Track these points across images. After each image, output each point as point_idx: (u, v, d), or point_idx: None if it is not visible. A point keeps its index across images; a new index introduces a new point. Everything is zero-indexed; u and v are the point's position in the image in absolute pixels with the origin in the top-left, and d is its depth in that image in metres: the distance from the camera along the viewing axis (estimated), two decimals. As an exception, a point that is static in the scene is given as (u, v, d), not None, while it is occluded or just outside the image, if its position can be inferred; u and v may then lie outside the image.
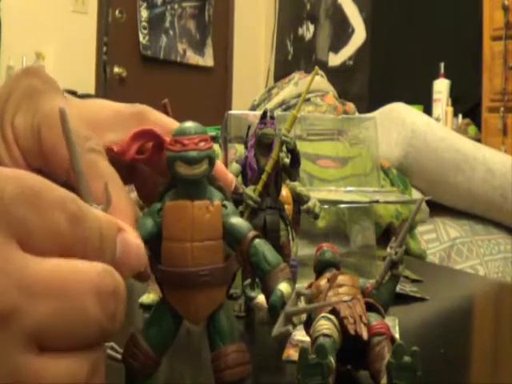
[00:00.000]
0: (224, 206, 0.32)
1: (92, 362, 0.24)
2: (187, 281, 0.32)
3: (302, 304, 0.37)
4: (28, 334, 0.22)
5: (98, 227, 0.26)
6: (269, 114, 0.50)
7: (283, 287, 0.31)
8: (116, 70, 3.51)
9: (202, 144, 0.32)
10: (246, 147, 0.52)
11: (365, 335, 0.36)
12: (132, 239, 0.27)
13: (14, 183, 0.23)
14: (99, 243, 0.26)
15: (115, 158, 0.33)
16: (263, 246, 0.32)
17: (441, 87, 2.82)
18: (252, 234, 0.32)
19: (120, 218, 0.28)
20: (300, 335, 0.45)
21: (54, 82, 0.35)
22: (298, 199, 0.57)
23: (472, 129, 2.77)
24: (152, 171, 0.37)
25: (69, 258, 0.24)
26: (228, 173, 0.38)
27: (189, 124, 0.32)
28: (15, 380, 0.22)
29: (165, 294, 0.33)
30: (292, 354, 0.44)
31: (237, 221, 0.33)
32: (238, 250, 0.32)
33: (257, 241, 0.32)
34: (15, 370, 0.22)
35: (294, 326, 0.33)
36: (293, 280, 0.32)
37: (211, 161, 0.32)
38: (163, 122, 0.36)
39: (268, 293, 0.32)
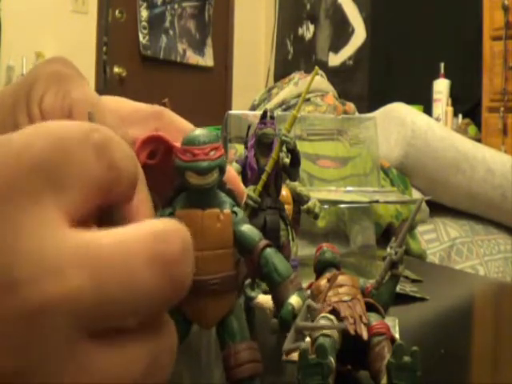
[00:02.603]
0: (234, 212, 0.32)
1: (152, 353, 0.22)
2: (197, 289, 0.31)
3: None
4: (81, 317, 0.21)
5: None
6: (269, 113, 0.50)
7: (294, 300, 0.31)
8: (116, 69, 3.51)
9: (212, 153, 0.31)
10: (246, 147, 0.52)
11: (365, 335, 0.36)
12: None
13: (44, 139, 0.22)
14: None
15: None
16: (274, 257, 0.32)
17: (441, 87, 2.83)
18: (263, 243, 0.32)
19: (139, 218, 0.28)
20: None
21: (78, 69, 0.34)
22: (298, 199, 0.57)
23: (472, 129, 2.77)
24: (162, 176, 0.37)
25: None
26: (240, 183, 0.37)
27: (199, 132, 0.32)
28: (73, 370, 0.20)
29: None
30: (292, 354, 0.44)
31: (247, 229, 0.33)
32: (249, 259, 0.32)
33: (267, 251, 0.32)
34: (67, 359, 0.20)
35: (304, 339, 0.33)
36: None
37: (222, 169, 0.32)
38: (179, 124, 0.36)
39: (278, 305, 0.32)
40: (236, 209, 0.33)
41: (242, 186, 0.37)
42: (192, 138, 0.31)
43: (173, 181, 0.34)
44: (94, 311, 0.21)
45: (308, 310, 0.31)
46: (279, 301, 0.32)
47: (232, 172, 0.36)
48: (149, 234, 0.22)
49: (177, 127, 0.35)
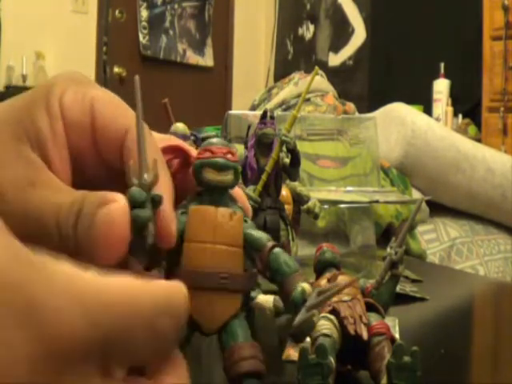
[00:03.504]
0: (245, 220, 0.34)
1: None
2: (206, 282, 0.32)
3: None
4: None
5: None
6: (269, 114, 0.50)
7: (304, 285, 0.32)
8: (116, 69, 3.51)
9: (229, 155, 0.33)
10: (246, 147, 0.52)
11: (365, 335, 0.36)
12: (115, 210, 0.27)
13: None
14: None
15: None
16: (283, 254, 0.34)
17: (441, 87, 2.83)
18: (272, 243, 0.34)
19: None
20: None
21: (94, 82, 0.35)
22: (298, 199, 0.57)
23: (472, 129, 2.77)
24: (175, 188, 0.37)
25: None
26: (246, 201, 0.38)
27: (217, 139, 0.34)
28: None
29: None
30: (292, 354, 0.44)
31: (257, 232, 0.34)
32: (258, 257, 0.33)
33: (277, 249, 0.33)
34: None
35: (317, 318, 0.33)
36: None
37: (236, 174, 0.34)
38: (187, 147, 0.37)
39: (287, 293, 0.32)
40: (246, 218, 0.34)
41: (248, 204, 0.38)
42: (210, 142, 0.34)
43: (186, 194, 0.35)
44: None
45: (318, 295, 0.31)
46: (289, 290, 0.32)
47: (240, 191, 0.37)
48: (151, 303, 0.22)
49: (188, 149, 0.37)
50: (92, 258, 0.26)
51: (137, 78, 0.29)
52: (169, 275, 0.32)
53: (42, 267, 0.20)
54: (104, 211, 0.27)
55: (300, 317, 0.31)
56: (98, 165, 0.32)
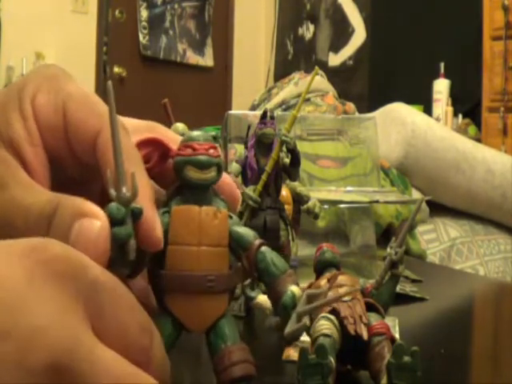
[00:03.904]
0: (230, 216, 0.33)
1: None
2: (193, 285, 0.31)
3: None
4: None
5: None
6: (269, 114, 0.50)
7: (294, 289, 0.31)
8: (116, 69, 3.51)
9: (211, 151, 0.32)
10: (246, 147, 0.52)
11: (365, 335, 0.36)
12: (93, 228, 0.27)
13: (98, 270, 0.25)
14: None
15: None
16: (270, 253, 0.33)
17: (441, 87, 2.83)
18: (259, 241, 0.33)
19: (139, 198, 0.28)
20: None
21: (70, 75, 0.35)
22: (298, 199, 0.57)
23: (472, 129, 2.77)
24: (155, 181, 0.37)
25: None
26: (236, 189, 0.37)
27: (198, 132, 0.33)
28: None
29: (165, 302, 0.32)
30: (292, 354, 0.44)
31: (243, 229, 0.33)
32: (245, 256, 0.32)
33: (264, 248, 0.33)
34: None
35: (307, 326, 0.33)
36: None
37: (219, 169, 0.32)
38: (172, 138, 0.36)
39: (276, 296, 0.32)
40: (231, 213, 0.33)
41: (238, 192, 0.37)
42: (191, 136, 0.32)
43: (166, 187, 0.34)
44: None
45: (307, 299, 0.31)
46: (278, 292, 0.32)
47: (228, 179, 0.36)
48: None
49: (170, 138, 0.35)
50: None
51: (109, 83, 0.28)
52: (152, 278, 0.32)
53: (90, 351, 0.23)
54: (82, 225, 0.27)
55: (291, 325, 0.30)
56: (76, 163, 0.32)
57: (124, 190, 0.27)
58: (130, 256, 0.27)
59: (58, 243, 0.25)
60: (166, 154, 0.33)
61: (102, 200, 0.30)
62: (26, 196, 0.29)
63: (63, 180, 0.32)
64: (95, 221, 0.27)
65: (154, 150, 0.33)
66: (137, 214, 0.27)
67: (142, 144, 0.33)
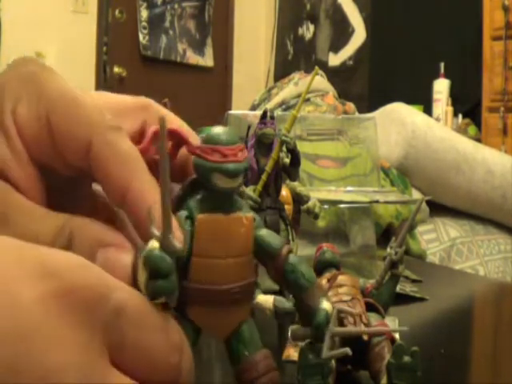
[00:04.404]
0: (253, 218, 0.31)
1: None
2: (218, 299, 0.29)
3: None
4: None
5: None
6: (269, 114, 0.50)
7: (327, 306, 0.30)
8: (116, 69, 3.51)
9: (240, 154, 0.29)
10: (246, 147, 0.52)
11: (365, 335, 0.36)
12: (117, 258, 0.26)
13: (124, 293, 0.24)
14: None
15: None
16: (300, 264, 0.31)
17: (441, 87, 2.82)
18: (286, 249, 0.31)
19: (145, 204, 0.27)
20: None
21: (52, 69, 0.31)
22: (298, 199, 0.57)
23: (472, 129, 2.77)
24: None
25: None
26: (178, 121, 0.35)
27: (224, 131, 0.30)
28: None
29: (187, 312, 0.30)
30: (292, 354, 0.44)
31: (267, 233, 0.31)
32: (271, 265, 0.31)
33: (292, 257, 0.31)
34: None
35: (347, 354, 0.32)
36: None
37: (247, 171, 0.31)
38: (167, 117, 0.34)
39: (309, 311, 0.31)
40: (253, 214, 0.31)
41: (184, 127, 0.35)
42: (219, 137, 0.29)
43: (174, 179, 0.32)
44: None
45: (338, 315, 0.31)
46: (309, 307, 0.30)
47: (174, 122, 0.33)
48: None
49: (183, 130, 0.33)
50: None
51: (163, 119, 0.24)
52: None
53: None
54: (107, 258, 0.26)
55: (326, 346, 0.30)
56: (68, 166, 0.30)
57: (170, 237, 0.24)
58: (172, 304, 0.26)
59: (76, 263, 0.23)
60: (179, 145, 0.31)
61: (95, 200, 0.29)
62: (30, 225, 0.27)
63: (58, 181, 0.31)
64: (122, 251, 0.26)
65: (169, 140, 0.30)
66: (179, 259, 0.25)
67: (155, 135, 0.30)
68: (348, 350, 0.30)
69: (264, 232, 0.31)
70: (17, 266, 0.22)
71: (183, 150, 0.31)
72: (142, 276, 0.25)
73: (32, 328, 0.21)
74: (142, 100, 0.34)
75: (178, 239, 0.25)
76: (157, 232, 0.25)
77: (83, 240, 0.26)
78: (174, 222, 0.26)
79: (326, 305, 0.30)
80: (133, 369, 0.24)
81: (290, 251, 0.31)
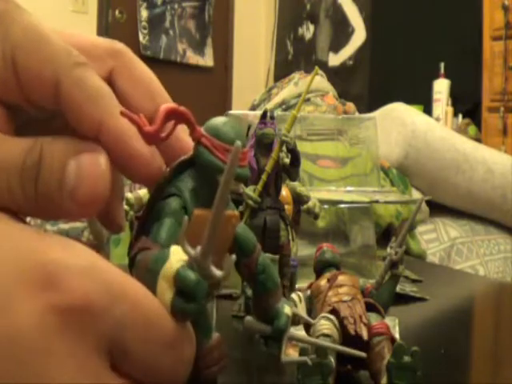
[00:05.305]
0: None
1: None
2: None
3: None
4: None
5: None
6: (269, 113, 0.50)
7: (287, 310, 0.31)
8: (116, 69, 3.51)
9: (247, 159, 0.30)
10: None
11: (365, 335, 0.36)
12: (92, 163, 0.24)
13: (128, 304, 0.22)
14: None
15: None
16: (269, 265, 0.32)
17: (441, 87, 2.82)
18: (258, 248, 0.31)
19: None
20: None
21: (22, 7, 0.29)
22: (298, 199, 0.57)
23: (472, 129, 2.77)
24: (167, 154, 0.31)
25: None
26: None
27: (236, 131, 0.29)
28: None
29: None
30: (292, 354, 0.44)
31: (244, 230, 0.31)
32: (244, 262, 0.31)
33: (263, 257, 0.32)
34: None
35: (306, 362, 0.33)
36: (292, 280, 0.33)
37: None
38: (139, 69, 0.33)
39: (268, 310, 0.32)
40: (235, 208, 0.31)
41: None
42: (231, 137, 0.29)
43: (168, 161, 0.30)
44: None
45: (295, 318, 0.32)
46: (271, 307, 0.32)
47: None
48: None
49: (134, 73, 0.32)
50: (57, 215, 0.24)
51: (238, 145, 0.22)
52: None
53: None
54: (80, 162, 0.24)
55: (284, 350, 0.31)
56: (38, 109, 0.28)
57: (209, 261, 0.23)
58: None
59: (79, 267, 0.22)
60: (187, 126, 0.29)
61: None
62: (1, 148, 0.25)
63: (27, 120, 0.29)
64: (97, 155, 0.24)
65: (178, 122, 0.29)
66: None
67: (168, 115, 0.28)
68: (308, 359, 0.31)
69: (241, 229, 0.31)
70: (15, 272, 0.21)
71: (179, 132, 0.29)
72: (168, 291, 0.24)
73: (31, 350, 0.20)
74: (117, 45, 0.32)
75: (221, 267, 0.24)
76: (191, 250, 0.23)
77: (54, 153, 0.24)
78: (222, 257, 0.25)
79: (287, 309, 0.32)
80: (135, 374, 0.23)
81: (259, 252, 0.32)
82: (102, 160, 0.24)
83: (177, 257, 0.24)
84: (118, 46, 0.32)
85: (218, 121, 0.29)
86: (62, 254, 0.22)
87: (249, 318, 0.33)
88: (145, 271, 0.25)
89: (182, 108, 0.29)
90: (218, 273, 0.23)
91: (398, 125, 1.68)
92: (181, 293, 0.23)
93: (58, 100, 0.26)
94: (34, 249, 0.22)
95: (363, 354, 0.34)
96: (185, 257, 0.24)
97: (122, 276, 0.23)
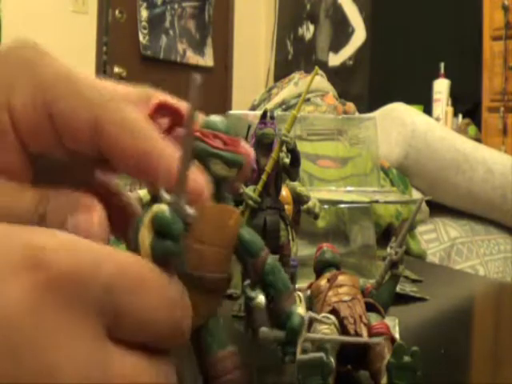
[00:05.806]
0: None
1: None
2: (195, 285, 0.29)
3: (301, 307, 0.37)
4: None
5: None
6: (269, 113, 0.50)
7: (301, 311, 0.32)
8: (116, 69, 3.51)
9: (240, 147, 0.30)
10: (246, 147, 0.52)
11: (365, 335, 0.36)
12: (87, 223, 0.25)
13: (112, 264, 0.22)
14: None
15: None
16: (278, 266, 0.32)
17: (441, 87, 2.82)
18: (266, 251, 0.32)
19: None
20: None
21: (47, 52, 0.30)
22: (298, 199, 0.57)
23: (472, 129, 2.77)
24: None
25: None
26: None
27: (226, 122, 0.30)
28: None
29: None
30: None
31: (249, 233, 0.32)
32: (251, 264, 0.32)
33: (271, 259, 0.32)
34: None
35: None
36: (293, 280, 0.33)
37: (241, 167, 0.31)
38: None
39: (281, 314, 0.32)
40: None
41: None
42: (222, 125, 0.30)
43: None
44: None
45: (310, 321, 0.32)
46: (283, 310, 0.32)
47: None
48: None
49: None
50: None
51: (197, 77, 0.23)
52: None
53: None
54: (77, 220, 0.25)
55: (300, 351, 0.31)
56: (66, 151, 0.28)
57: (183, 201, 0.23)
58: (179, 269, 0.25)
59: (61, 242, 0.22)
60: (175, 123, 0.30)
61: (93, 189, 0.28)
62: (4, 199, 0.26)
63: (51, 166, 0.29)
64: (93, 214, 0.26)
65: (167, 116, 0.30)
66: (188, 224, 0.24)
67: (158, 108, 0.29)
68: (323, 356, 0.31)
69: (246, 231, 0.31)
70: (2, 258, 0.21)
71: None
72: (147, 237, 0.24)
73: (22, 333, 0.20)
74: (146, 92, 0.32)
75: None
76: (166, 195, 0.24)
77: (57, 211, 0.26)
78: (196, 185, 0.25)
79: (300, 310, 0.32)
80: (134, 335, 0.23)
81: (268, 254, 0.32)
82: (95, 218, 0.26)
83: (159, 207, 0.24)
84: (149, 92, 0.32)
85: (212, 116, 0.30)
86: (43, 235, 0.22)
87: (263, 329, 0.33)
88: (133, 234, 0.25)
89: (174, 104, 0.29)
90: (191, 211, 0.24)
91: (398, 125, 1.68)
92: (158, 234, 0.23)
93: (95, 140, 0.26)
94: (17, 234, 0.22)
95: (379, 340, 0.34)
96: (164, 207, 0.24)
97: (104, 245, 0.23)
